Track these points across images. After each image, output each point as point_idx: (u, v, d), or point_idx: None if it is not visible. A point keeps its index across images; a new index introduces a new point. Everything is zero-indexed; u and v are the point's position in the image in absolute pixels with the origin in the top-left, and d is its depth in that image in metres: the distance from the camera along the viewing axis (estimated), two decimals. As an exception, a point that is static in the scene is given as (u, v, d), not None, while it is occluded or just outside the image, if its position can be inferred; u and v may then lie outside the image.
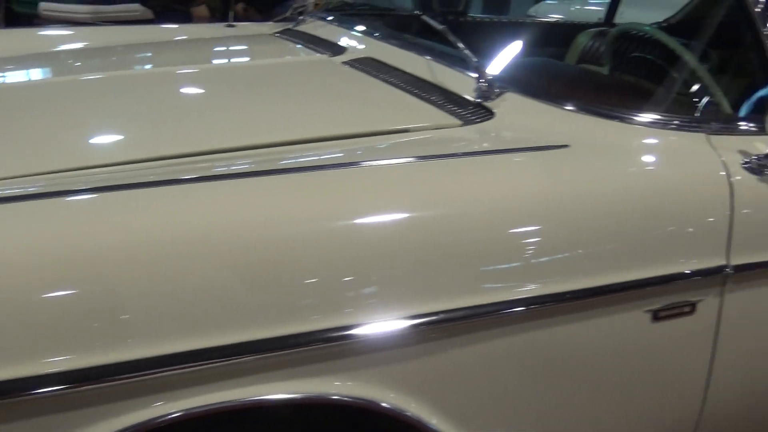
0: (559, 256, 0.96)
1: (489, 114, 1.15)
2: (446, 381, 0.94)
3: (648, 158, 1.11)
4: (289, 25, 1.88)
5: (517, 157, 1.04)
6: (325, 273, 0.83)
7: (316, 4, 1.93)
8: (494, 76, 1.20)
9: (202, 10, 3.03)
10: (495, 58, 1.28)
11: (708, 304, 1.07)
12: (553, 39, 1.94)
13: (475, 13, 2.57)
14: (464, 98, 1.21)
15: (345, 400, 0.86)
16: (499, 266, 0.93)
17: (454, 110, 1.18)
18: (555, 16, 2.80)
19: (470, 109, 1.18)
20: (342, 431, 0.95)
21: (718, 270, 1.05)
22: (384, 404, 0.88)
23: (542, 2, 3.33)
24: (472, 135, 1.11)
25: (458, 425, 0.95)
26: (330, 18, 1.79)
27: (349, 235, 0.86)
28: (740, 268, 1.06)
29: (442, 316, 0.87)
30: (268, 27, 1.94)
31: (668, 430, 1.16)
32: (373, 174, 0.95)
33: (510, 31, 1.54)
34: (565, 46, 1.83)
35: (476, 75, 1.19)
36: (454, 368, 0.94)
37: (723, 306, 1.08)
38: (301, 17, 1.87)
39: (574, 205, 0.97)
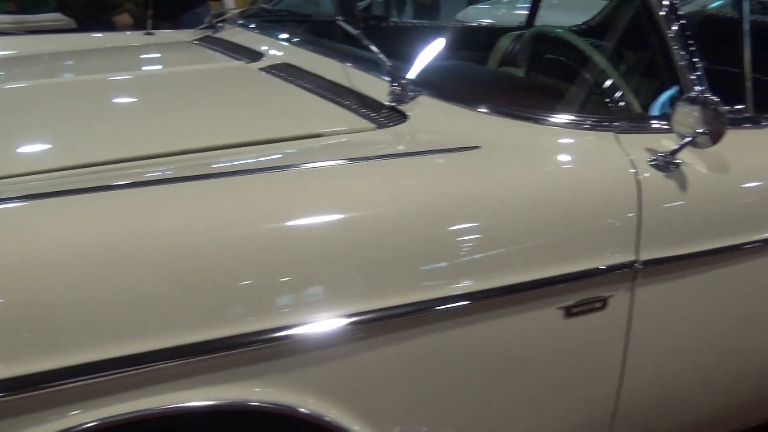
0: (472, 256, 0.96)
1: (402, 117, 1.15)
2: (365, 384, 0.94)
3: (558, 157, 1.12)
4: (209, 33, 1.84)
5: (428, 160, 1.03)
6: (244, 276, 0.82)
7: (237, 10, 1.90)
8: (408, 80, 1.20)
9: (125, 18, 2.97)
10: (410, 63, 1.28)
11: (619, 299, 1.09)
12: (478, 43, 1.96)
13: (407, 19, 2.59)
14: (379, 102, 1.20)
15: (264, 407, 0.86)
16: (412, 267, 0.92)
17: (369, 114, 1.17)
18: (484, 21, 2.85)
19: (384, 113, 1.17)
20: None
21: (628, 265, 1.08)
22: (302, 410, 0.88)
23: (470, 7, 3.40)
24: (386, 138, 1.10)
25: (380, 430, 0.94)
26: (249, 24, 1.76)
27: (270, 239, 0.85)
28: (649, 263, 1.09)
29: (358, 318, 0.87)
30: (188, 34, 1.90)
31: (584, 426, 1.18)
32: (291, 178, 0.94)
33: (433, 35, 1.55)
34: (488, 50, 1.86)
35: (389, 79, 1.19)
36: (372, 371, 0.94)
37: (634, 301, 1.11)
38: (220, 24, 1.83)
39: (483, 206, 0.97)
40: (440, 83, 1.25)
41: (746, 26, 1.29)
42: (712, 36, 1.51)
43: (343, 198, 0.92)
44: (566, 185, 1.06)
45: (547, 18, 2.14)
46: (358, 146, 1.05)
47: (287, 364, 0.87)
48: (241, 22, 1.79)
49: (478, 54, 1.87)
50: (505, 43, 1.75)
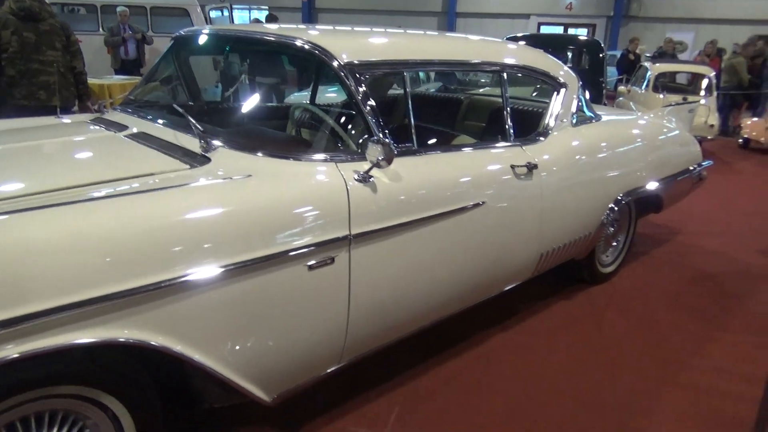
0: (240, 235, 1.69)
1: (207, 160, 1.92)
2: (197, 323, 1.61)
3: (302, 178, 1.91)
4: (99, 115, 2.62)
5: (216, 184, 1.78)
6: (113, 253, 1.45)
7: (111, 103, 2.69)
8: (211, 137, 1.98)
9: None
10: (222, 127, 2.07)
11: (342, 257, 1.90)
12: (281, 113, 2.86)
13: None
14: (194, 152, 1.97)
15: (129, 342, 1.49)
16: (222, 241, 1.62)
17: (186, 160, 1.93)
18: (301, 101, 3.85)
19: (196, 159, 1.93)
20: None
21: (345, 237, 1.89)
22: (153, 343, 1.53)
23: (294, 94, 4.49)
24: (194, 173, 1.85)
25: (214, 357, 1.64)
26: (123, 109, 2.53)
27: (124, 233, 1.48)
28: (357, 236, 1.91)
29: (190, 278, 1.54)
30: (86, 116, 2.63)
31: (322, 344, 1.94)
32: (139, 197, 1.62)
33: (245, 111, 2.35)
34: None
35: (200, 138, 1.97)
36: (201, 315, 1.61)
37: (351, 258, 1.92)
38: (105, 110, 2.64)
39: (249, 209, 1.71)
40: (235, 139, 2.04)
41: (408, 100, 2.22)
42: (415, 105, 2.42)
43: (163, 206, 1.63)
44: (306, 194, 1.85)
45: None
46: (173, 179, 1.78)
47: (145, 314, 1.50)
48: (118, 108, 2.53)
49: (281, 121, 2.75)
50: (296, 113, 2.63)
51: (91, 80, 5.27)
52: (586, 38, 9.32)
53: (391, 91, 4.26)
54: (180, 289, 1.56)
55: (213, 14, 10.79)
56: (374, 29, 2.49)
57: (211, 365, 1.66)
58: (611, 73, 10.73)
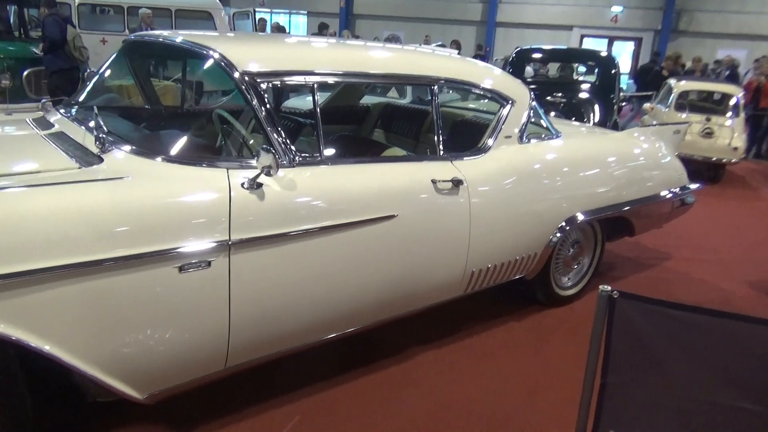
0: (104, 234, 1.77)
1: (100, 161, 2.01)
2: (56, 319, 1.69)
3: (184, 182, 1.96)
4: (42, 113, 2.76)
5: (93, 183, 1.85)
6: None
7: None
8: (110, 139, 2.07)
9: None
10: (151, 131, 2.16)
11: (220, 262, 1.94)
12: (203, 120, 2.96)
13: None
14: (91, 151, 2.06)
15: None
16: (72, 240, 1.73)
17: (80, 160, 2.02)
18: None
19: (91, 158, 2.02)
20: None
21: (223, 242, 1.93)
22: (8, 334, 1.62)
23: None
24: (79, 173, 1.93)
25: (75, 353, 1.71)
26: (62, 109, 2.66)
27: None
28: (238, 242, 1.96)
29: (56, 272, 1.63)
30: (33, 114, 2.79)
31: (204, 349, 1.98)
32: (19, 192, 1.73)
33: (181, 117, 2.46)
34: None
35: (96, 139, 2.06)
36: (60, 310, 1.69)
37: (231, 262, 1.96)
38: (48, 109, 2.78)
39: (118, 210, 1.77)
40: (139, 142, 2.12)
41: (317, 112, 2.27)
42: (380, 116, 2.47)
43: (30, 200, 1.72)
44: (182, 196, 1.91)
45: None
46: (55, 177, 1.86)
47: (6, 308, 1.60)
48: (62, 108, 2.68)
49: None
50: (214, 118, 2.73)
51: (111, 80, 5.54)
52: (596, 52, 9.10)
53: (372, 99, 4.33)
54: (34, 282, 1.64)
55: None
56: (291, 38, 2.55)
57: (69, 360, 1.73)
58: (628, 87, 10.44)
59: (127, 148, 2.06)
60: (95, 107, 2.29)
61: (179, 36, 2.45)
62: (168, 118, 2.74)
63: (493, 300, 3.45)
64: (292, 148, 2.17)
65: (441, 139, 2.68)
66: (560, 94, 7.28)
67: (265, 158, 1.99)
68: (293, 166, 2.16)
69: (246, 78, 2.14)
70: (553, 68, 9.88)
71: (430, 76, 2.69)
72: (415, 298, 2.64)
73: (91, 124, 2.22)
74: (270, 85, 2.19)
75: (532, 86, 7.76)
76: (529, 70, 8.62)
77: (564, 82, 8.51)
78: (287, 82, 2.29)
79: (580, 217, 3.17)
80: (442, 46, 9.64)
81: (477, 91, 2.90)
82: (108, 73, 2.88)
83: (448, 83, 2.76)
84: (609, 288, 1.51)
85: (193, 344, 1.97)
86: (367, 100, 4.30)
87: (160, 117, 2.76)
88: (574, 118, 6.77)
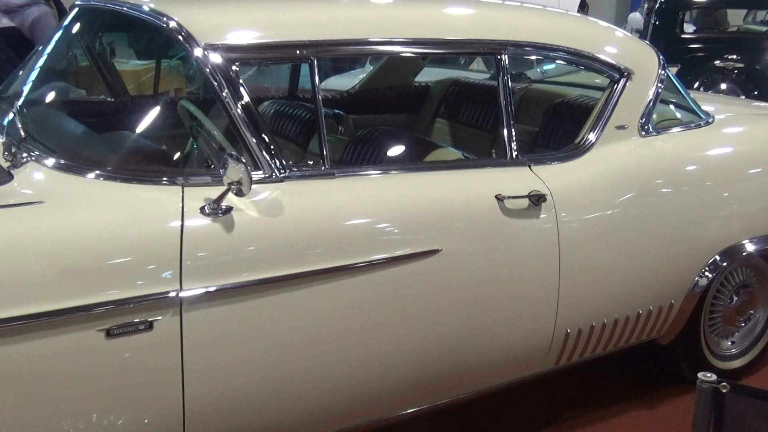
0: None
1: (9, 178, 2.01)
2: None
3: (116, 208, 1.92)
4: None
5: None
6: None
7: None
8: (29, 148, 2.08)
9: None
10: (52, 135, 2.18)
11: (166, 321, 1.88)
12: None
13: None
14: (2, 168, 2.08)
15: None
16: None
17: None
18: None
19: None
20: None
21: (171, 294, 1.87)
22: None
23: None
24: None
25: None
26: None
27: None
28: (190, 295, 1.87)
29: None
30: None
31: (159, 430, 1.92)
32: None
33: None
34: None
35: (5, 149, 2.08)
36: None
37: (183, 322, 1.89)
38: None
39: (16, 250, 1.74)
40: (66, 152, 2.12)
41: (317, 97, 2.19)
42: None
43: None
44: (110, 229, 1.86)
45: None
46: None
47: None
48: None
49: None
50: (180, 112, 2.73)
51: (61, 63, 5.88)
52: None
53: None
54: None
55: None
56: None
57: None
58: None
59: (50, 161, 2.06)
60: (16, 102, 2.34)
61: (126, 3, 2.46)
62: (116, 114, 2.76)
63: (612, 376, 3.27)
64: (279, 154, 2.10)
65: (513, 133, 2.53)
66: (736, 56, 6.91)
67: (234, 170, 1.91)
68: (280, 181, 2.09)
69: (211, 55, 2.09)
70: (729, 17, 9.42)
71: (488, 41, 2.56)
72: (470, 377, 2.50)
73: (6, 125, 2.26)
74: (248, 63, 2.14)
75: (694, 45, 7.56)
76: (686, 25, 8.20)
77: (744, 37, 8.07)
78: (273, 59, 2.24)
79: (749, 247, 2.97)
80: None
81: (567, 58, 2.76)
82: (55, 52, 2.95)
83: (521, 49, 2.63)
84: (713, 377, 1.35)
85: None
86: (433, 74, 4.23)
87: (108, 114, 2.77)
88: (756, 92, 6.39)
